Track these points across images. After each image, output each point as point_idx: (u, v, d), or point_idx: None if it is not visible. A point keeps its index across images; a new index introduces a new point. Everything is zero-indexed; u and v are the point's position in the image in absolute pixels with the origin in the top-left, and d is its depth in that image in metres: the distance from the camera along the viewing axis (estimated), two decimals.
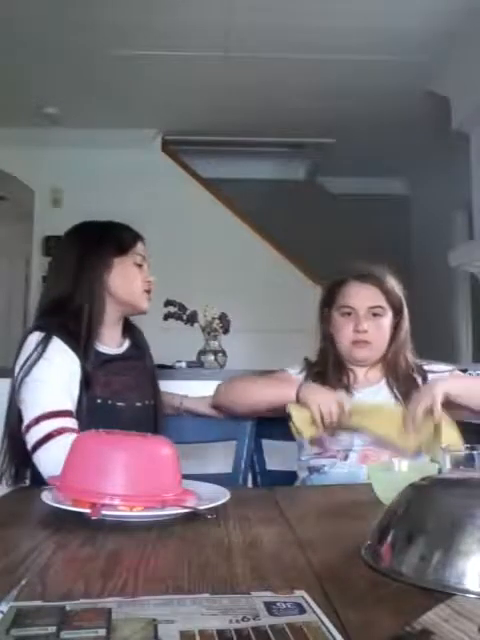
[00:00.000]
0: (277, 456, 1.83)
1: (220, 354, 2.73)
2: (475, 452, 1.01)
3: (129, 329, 1.59)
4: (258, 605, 0.59)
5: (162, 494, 0.94)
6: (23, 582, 0.66)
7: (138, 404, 1.47)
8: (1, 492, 1.28)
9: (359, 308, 1.56)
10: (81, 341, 1.39)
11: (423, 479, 0.80)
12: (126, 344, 1.55)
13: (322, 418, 1.39)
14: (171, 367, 2.56)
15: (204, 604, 0.59)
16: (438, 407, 1.35)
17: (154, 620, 0.55)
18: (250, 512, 1.02)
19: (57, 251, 1.59)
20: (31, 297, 4.95)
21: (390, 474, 1.09)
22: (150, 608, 0.58)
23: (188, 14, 3.32)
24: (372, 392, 1.58)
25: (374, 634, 0.55)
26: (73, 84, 4.12)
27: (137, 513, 0.91)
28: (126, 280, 1.49)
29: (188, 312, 2.69)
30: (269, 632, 0.53)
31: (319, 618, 0.56)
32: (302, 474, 1.60)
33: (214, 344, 2.73)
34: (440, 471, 1.05)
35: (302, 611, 0.58)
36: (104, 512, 0.88)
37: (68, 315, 1.41)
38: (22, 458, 1.34)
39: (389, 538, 0.73)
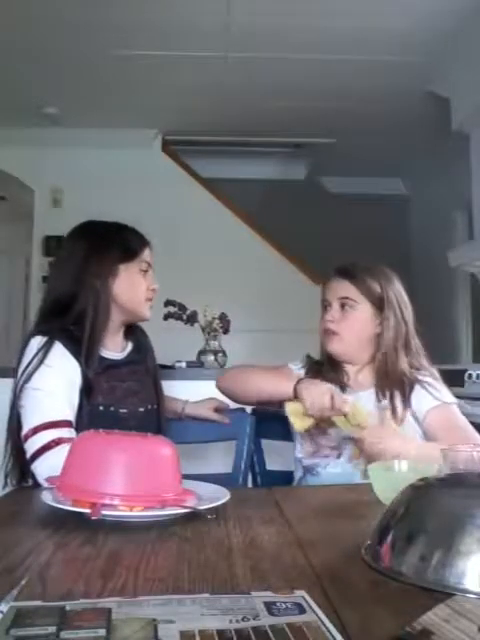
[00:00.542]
0: (277, 456, 1.83)
1: (220, 354, 2.74)
2: (475, 452, 1.01)
3: (132, 332, 1.57)
4: (258, 605, 0.59)
5: (162, 494, 0.94)
6: (23, 582, 0.66)
7: (141, 409, 1.46)
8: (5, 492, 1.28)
9: (330, 299, 1.58)
10: (83, 346, 1.37)
11: (423, 479, 0.80)
12: (128, 348, 1.54)
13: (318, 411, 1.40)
14: (171, 367, 2.56)
15: (204, 604, 0.59)
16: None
17: (154, 620, 0.55)
18: (250, 512, 1.01)
19: (61, 250, 1.56)
20: (31, 297, 4.95)
21: (390, 474, 1.09)
22: (150, 608, 0.58)
23: (188, 14, 3.32)
24: (363, 397, 1.55)
25: (374, 634, 0.55)
26: (73, 84, 4.12)
27: (137, 513, 0.91)
28: (130, 288, 1.46)
29: (188, 312, 2.69)
30: (269, 632, 0.53)
31: (319, 618, 0.56)
32: (298, 473, 1.60)
33: (214, 344, 2.74)
34: (440, 471, 1.05)
35: (302, 611, 0.58)
36: (104, 512, 0.88)
37: (71, 319, 1.40)
38: (25, 464, 1.33)
39: (389, 538, 0.73)
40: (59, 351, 1.35)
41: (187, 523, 0.92)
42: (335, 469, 1.50)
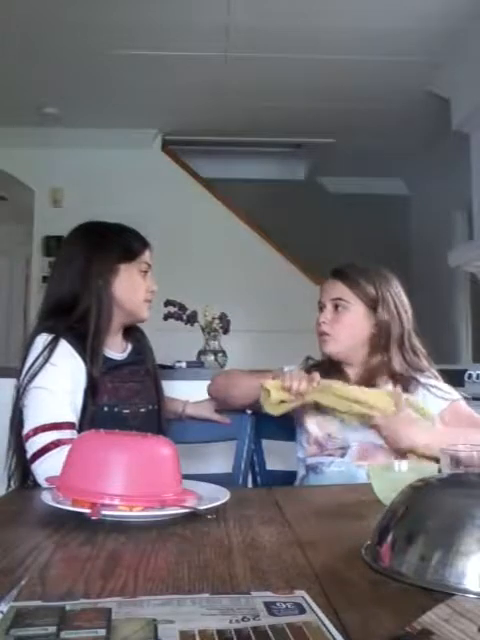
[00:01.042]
0: (277, 456, 1.83)
1: (220, 354, 2.73)
2: (475, 452, 1.01)
3: (131, 333, 1.57)
4: (258, 605, 0.59)
5: (162, 494, 0.94)
6: (23, 582, 0.66)
7: (142, 410, 1.47)
8: None
9: (324, 301, 1.60)
10: (88, 345, 1.37)
11: (423, 479, 0.80)
12: (129, 349, 1.54)
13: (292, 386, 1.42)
14: (171, 367, 2.56)
15: (204, 604, 0.59)
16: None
17: (154, 620, 0.55)
18: (250, 512, 1.01)
19: (62, 250, 1.56)
20: (31, 297, 4.95)
21: (390, 474, 1.09)
22: (150, 608, 0.58)
23: (188, 14, 3.32)
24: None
25: (374, 634, 0.55)
26: (73, 84, 4.12)
27: (137, 513, 0.91)
28: (130, 287, 1.47)
29: (188, 312, 2.69)
30: (269, 632, 0.53)
31: (319, 618, 0.56)
32: (300, 472, 1.60)
33: (214, 344, 2.73)
34: (440, 471, 1.05)
35: (302, 611, 0.58)
36: (104, 512, 0.88)
37: (75, 317, 1.40)
38: (27, 463, 1.33)
39: (389, 538, 0.73)
40: (65, 349, 1.35)
41: (187, 523, 0.92)
42: (339, 468, 1.50)
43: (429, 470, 1.05)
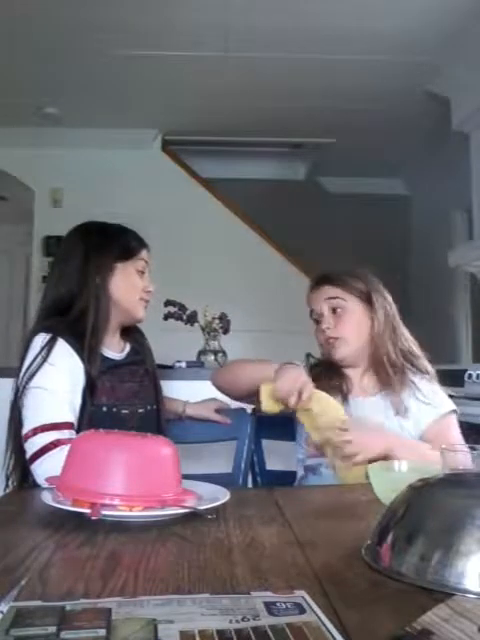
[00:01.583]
0: (277, 456, 1.83)
1: (220, 354, 2.74)
2: (475, 452, 1.01)
3: (130, 333, 1.57)
4: (258, 605, 0.59)
5: (162, 494, 0.94)
6: (23, 582, 0.66)
7: (141, 410, 1.47)
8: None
9: (319, 307, 1.59)
10: (85, 344, 1.37)
11: (423, 479, 0.80)
12: (127, 349, 1.54)
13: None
14: (171, 367, 2.56)
15: (204, 604, 0.59)
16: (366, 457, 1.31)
17: (154, 620, 0.55)
18: (250, 512, 1.01)
19: (61, 250, 1.56)
20: (31, 297, 4.95)
21: (390, 474, 1.09)
22: (150, 608, 0.58)
23: (188, 14, 3.32)
24: (371, 403, 1.55)
25: (374, 634, 0.55)
26: (73, 84, 4.12)
27: (137, 513, 0.91)
28: (126, 287, 1.48)
29: (188, 312, 2.69)
30: (269, 632, 0.53)
31: (319, 618, 0.56)
32: (299, 473, 1.60)
33: (214, 344, 2.73)
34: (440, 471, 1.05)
35: (302, 611, 0.58)
36: (104, 512, 0.88)
37: (73, 316, 1.40)
38: (26, 463, 1.33)
39: (389, 538, 0.73)
40: (63, 349, 1.35)
41: (187, 523, 0.92)
42: None
43: (429, 470, 1.05)
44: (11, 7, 3.23)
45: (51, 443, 1.25)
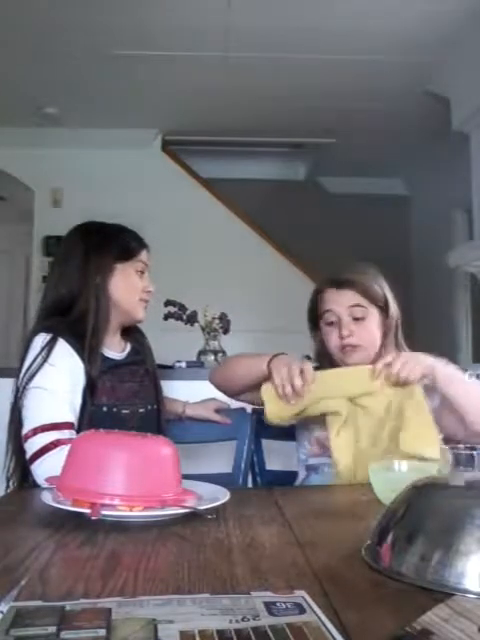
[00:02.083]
0: (277, 456, 1.83)
1: (220, 354, 2.73)
2: (475, 452, 1.01)
3: (130, 333, 1.57)
4: (258, 605, 0.59)
5: (162, 494, 0.94)
6: (23, 582, 0.66)
7: (141, 410, 1.47)
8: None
9: (340, 314, 1.54)
10: (86, 344, 1.37)
11: (423, 479, 0.80)
12: (127, 349, 1.54)
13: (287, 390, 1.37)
14: (171, 367, 2.56)
15: (204, 604, 0.59)
16: (415, 376, 1.35)
17: (154, 620, 0.55)
18: (250, 512, 1.01)
19: (61, 250, 1.56)
20: (31, 297, 4.95)
21: (390, 474, 1.09)
22: (150, 608, 0.58)
23: (188, 14, 3.32)
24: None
25: (374, 634, 0.55)
26: (73, 84, 4.12)
27: (137, 513, 0.91)
28: (126, 287, 1.48)
29: (188, 312, 2.69)
30: (269, 632, 0.53)
31: (319, 618, 0.56)
32: (301, 474, 1.60)
33: (214, 344, 2.73)
34: (440, 471, 1.05)
35: (302, 611, 0.58)
36: (104, 512, 0.88)
37: (74, 317, 1.40)
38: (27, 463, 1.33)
39: (389, 538, 0.73)
40: (63, 349, 1.35)
41: (187, 523, 0.92)
42: None
43: (429, 470, 1.05)
44: (11, 7, 3.23)
45: (51, 443, 1.25)
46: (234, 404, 1.72)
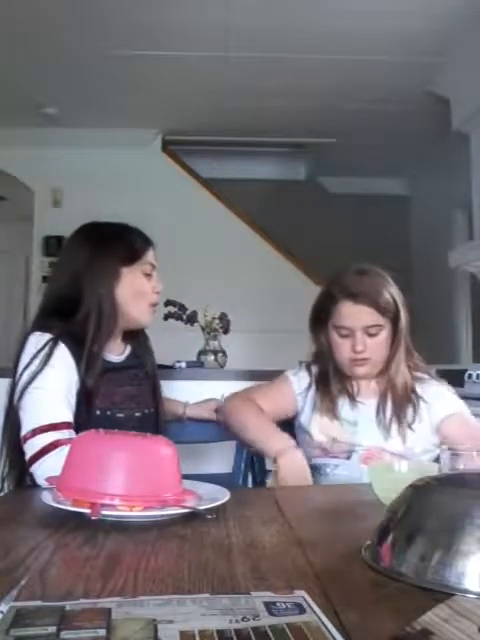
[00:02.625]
0: None
1: (220, 354, 2.74)
2: (475, 452, 1.01)
3: (133, 335, 1.54)
4: (258, 605, 0.59)
5: (162, 494, 0.94)
6: (23, 582, 0.66)
7: (137, 414, 1.44)
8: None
9: (355, 329, 1.52)
10: (85, 354, 1.35)
11: (423, 479, 0.80)
12: (127, 351, 1.52)
13: None
14: (171, 367, 2.56)
15: (204, 604, 0.59)
16: None
17: (154, 620, 0.55)
18: (250, 512, 1.01)
19: (64, 251, 1.53)
20: (31, 297, 4.96)
21: (390, 474, 1.09)
22: (150, 608, 0.58)
23: (188, 14, 3.32)
24: (364, 407, 1.56)
25: (374, 634, 0.55)
26: (73, 84, 4.12)
27: (137, 513, 0.91)
28: (133, 293, 1.44)
29: (188, 312, 2.69)
30: (269, 632, 0.53)
31: (319, 618, 0.56)
32: None
33: (214, 344, 2.73)
34: (440, 471, 1.05)
35: (302, 611, 0.58)
36: (104, 512, 0.88)
37: (76, 321, 1.37)
38: (24, 464, 1.31)
39: (389, 538, 0.73)
40: (62, 352, 1.33)
41: (187, 523, 0.92)
42: (344, 471, 1.50)
43: (429, 470, 1.05)
44: (11, 7, 3.23)
45: (50, 444, 1.25)
46: None
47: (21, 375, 1.32)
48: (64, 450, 1.04)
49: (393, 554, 0.71)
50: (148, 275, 1.47)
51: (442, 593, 0.62)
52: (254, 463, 1.76)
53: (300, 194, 5.62)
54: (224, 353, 2.75)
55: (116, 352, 1.48)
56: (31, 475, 1.30)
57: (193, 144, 5.15)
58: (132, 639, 0.52)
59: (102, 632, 0.52)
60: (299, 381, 1.62)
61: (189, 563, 0.75)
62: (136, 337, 1.55)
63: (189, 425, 1.71)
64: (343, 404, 1.56)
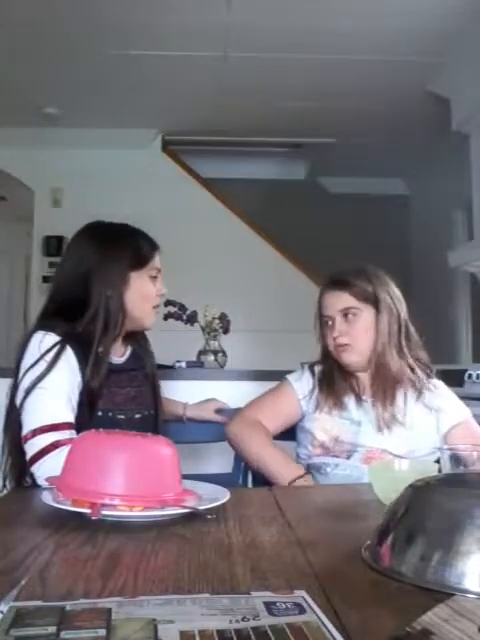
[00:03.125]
0: None
1: (220, 354, 2.73)
2: (475, 452, 1.01)
3: (133, 337, 1.54)
4: (258, 605, 0.59)
5: (162, 494, 0.94)
6: (23, 582, 0.66)
7: (137, 416, 1.44)
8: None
9: (332, 314, 1.57)
10: (91, 353, 1.35)
11: (423, 479, 0.80)
12: (128, 353, 1.52)
13: None
14: (171, 367, 2.56)
15: (204, 604, 0.59)
16: None
17: (154, 620, 0.55)
18: (250, 512, 1.01)
19: (71, 250, 1.51)
20: (31, 297, 4.95)
21: (390, 474, 1.09)
22: (150, 608, 0.58)
23: (188, 14, 3.32)
24: (369, 405, 1.57)
25: (374, 634, 0.55)
26: (73, 84, 4.12)
27: (137, 513, 0.91)
28: (140, 296, 1.44)
29: (188, 312, 2.69)
30: (269, 632, 0.53)
31: (319, 618, 0.56)
32: None
33: (214, 344, 2.73)
34: (440, 471, 1.05)
35: (302, 611, 0.58)
36: (104, 512, 0.88)
37: (83, 323, 1.37)
38: (24, 463, 1.31)
39: (389, 538, 0.73)
40: (68, 356, 1.33)
41: (187, 523, 0.92)
42: (345, 471, 1.50)
43: (429, 470, 1.05)
44: (11, 7, 3.23)
45: (51, 445, 1.24)
46: (234, 404, 1.72)
47: (24, 375, 1.32)
48: (64, 450, 1.04)
49: (393, 554, 0.71)
50: (153, 278, 1.48)
51: (442, 593, 0.62)
52: None
53: (300, 194, 5.62)
54: (224, 353, 2.75)
55: (117, 354, 1.48)
56: (31, 475, 1.30)
57: (193, 144, 5.15)
58: (132, 639, 0.52)
59: (102, 632, 0.53)
60: (301, 385, 1.62)
61: (189, 563, 0.75)
62: (136, 338, 1.55)
63: (189, 425, 1.71)
64: (349, 402, 1.56)
